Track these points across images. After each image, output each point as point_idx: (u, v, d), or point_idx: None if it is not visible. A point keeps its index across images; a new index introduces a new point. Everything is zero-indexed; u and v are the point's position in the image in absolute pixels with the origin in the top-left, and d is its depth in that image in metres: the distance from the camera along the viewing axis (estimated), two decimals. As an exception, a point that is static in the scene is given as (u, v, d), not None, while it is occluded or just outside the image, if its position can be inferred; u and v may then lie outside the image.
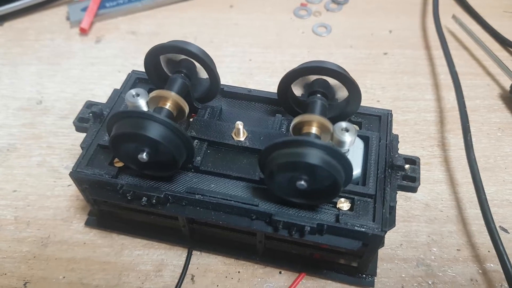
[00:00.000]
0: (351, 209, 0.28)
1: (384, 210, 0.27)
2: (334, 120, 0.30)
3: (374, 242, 0.27)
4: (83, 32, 0.50)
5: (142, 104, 0.30)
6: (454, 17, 0.49)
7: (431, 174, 0.38)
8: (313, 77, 0.31)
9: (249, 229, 0.29)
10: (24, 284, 0.32)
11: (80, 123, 0.33)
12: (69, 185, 0.38)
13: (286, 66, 0.47)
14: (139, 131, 0.26)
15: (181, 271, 0.32)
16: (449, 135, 0.41)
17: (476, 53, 0.48)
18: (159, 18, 0.53)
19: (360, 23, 0.51)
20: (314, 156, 0.25)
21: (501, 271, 0.30)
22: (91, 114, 0.33)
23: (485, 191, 0.35)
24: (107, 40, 0.50)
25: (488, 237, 0.32)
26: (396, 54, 0.48)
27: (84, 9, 0.51)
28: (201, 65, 0.31)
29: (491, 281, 0.32)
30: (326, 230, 0.27)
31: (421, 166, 0.37)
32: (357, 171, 0.29)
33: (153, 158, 0.27)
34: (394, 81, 0.45)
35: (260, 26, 0.52)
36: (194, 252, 0.33)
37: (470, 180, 0.34)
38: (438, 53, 0.47)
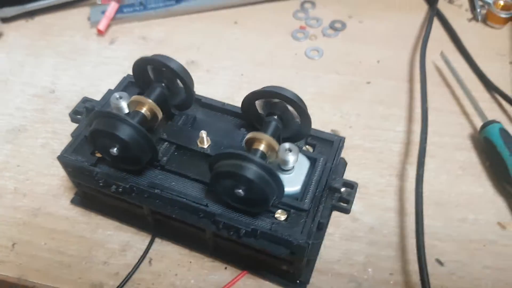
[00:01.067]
0: (286, 220, 0.32)
1: (312, 225, 0.31)
2: (289, 140, 0.34)
3: (300, 251, 0.31)
4: (100, 33, 0.56)
5: (124, 105, 0.35)
6: (441, 54, 0.52)
7: (383, 201, 0.41)
8: (275, 100, 0.35)
9: (197, 225, 0.33)
10: (12, 245, 0.38)
11: (75, 115, 0.38)
12: (63, 167, 0.43)
13: (273, 84, 0.51)
14: (111, 130, 0.31)
15: (141, 253, 0.37)
16: (410, 167, 0.43)
17: (457, 91, 0.50)
18: (169, 26, 0.58)
19: (351, 50, 0.55)
20: (251, 171, 0.29)
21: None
22: (85, 109, 0.38)
23: (432, 225, 0.39)
24: (120, 42, 0.56)
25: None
26: (379, 83, 0.51)
27: (104, 12, 0.57)
28: (178, 79, 0.35)
29: (415, 307, 0.35)
30: (259, 235, 0.31)
31: (375, 193, 0.41)
32: (297, 187, 0.33)
33: (122, 153, 0.32)
34: (370, 109, 0.48)
35: (258, 43, 0.56)
36: (156, 240, 0.38)
37: (413, 213, 0.37)
38: (419, 87, 0.50)
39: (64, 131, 0.46)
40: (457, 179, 0.43)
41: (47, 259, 0.37)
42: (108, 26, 0.57)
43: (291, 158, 0.32)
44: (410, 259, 0.37)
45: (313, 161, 0.35)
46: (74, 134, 0.37)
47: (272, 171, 0.29)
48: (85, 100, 0.39)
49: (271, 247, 0.31)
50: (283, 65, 0.53)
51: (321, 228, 0.32)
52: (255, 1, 0.60)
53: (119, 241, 0.38)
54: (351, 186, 0.34)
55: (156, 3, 0.58)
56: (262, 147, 0.32)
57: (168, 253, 0.38)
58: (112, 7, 0.56)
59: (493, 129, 0.43)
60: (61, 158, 0.35)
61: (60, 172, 0.43)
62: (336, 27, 0.57)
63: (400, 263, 0.37)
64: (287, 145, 0.32)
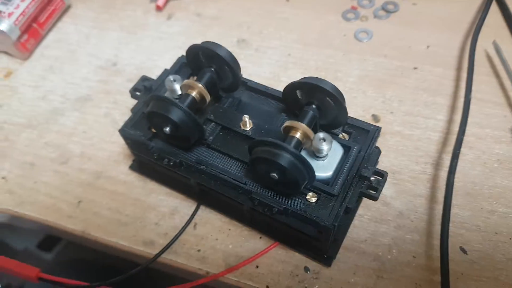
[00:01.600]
0: (316, 202, 0.35)
1: (340, 209, 0.34)
2: (326, 127, 0.37)
3: (326, 231, 0.34)
4: (158, 8, 0.59)
5: (177, 88, 0.39)
6: (494, 42, 0.50)
7: (415, 188, 0.43)
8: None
9: (235, 199, 0.37)
10: (78, 202, 0.44)
11: (134, 91, 0.43)
12: (123, 136, 0.49)
13: (319, 65, 0.53)
14: (164, 113, 0.35)
15: (188, 218, 0.42)
16: (446, 156, 0.44)
17: (505, 82, 0.49)
18: (223, 3, 0.60)
19: (401, 34, 0.54)
20: (285, 159, 0.32)
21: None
22: (143, 87, 0.43)
23: (460, 214, 0.40)
24: (176, 18, 0.59)
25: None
26: (426, 70, 0.51)
27: (164, -12, 0.60)
28: (226, 65, 0.38)
29: (433, 288, 0.37)
30: (290, 214, 0.35)
31: (408, 179, 0.43)
32: (329, 173, 0.36)
33: (174, 133, 0.36)
34: (413, 96, 0.49)
35: (307, 23, 0.57)
36: (201, 207, 0.43)
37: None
38: (466, 76, 0.49)
39: (124, 103, 0.51)
40: (492, 172, 0.43)
41: (107, 217, 0.43)
42: (167, 2, 0.60)
43: (324, 147, 0.34)
44: (434, 245, 0.39)
45: (347, 149, 0.37)
46: (134, 110, 0.41)
47: (304, 159, 0.32)
48: (144, 78, 0.44)
49: (301, 226, 0.35)
50: (331, 46, 0.54)
51: (348, 212, 0.35)
52: (307, -21, 0.60)
53: (169, 205, 0.43)
54: (381, 175, 0.36)
55: (211, -21, 0.60)
56: (298, 135, 0.35)
57: (211, 219, 0.42)
58: (170, -17, 0.59)
59: (537, 125, 0.42)
60: (122, 131, 0.40)
61: (120, 140, 0.48)
62: (389, 8, 0.57)
63: (424, 248, 0.39)
64: (321, 134, 0.34)
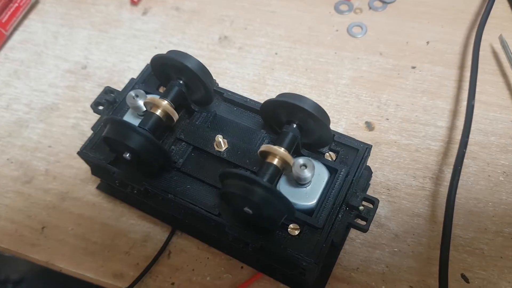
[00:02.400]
0: (298, 235, 0.31)
1: (324, 245, 0.30)
2: (310, 147, 0.33)
3: (308, 271, 0.30)
4: (133, 3, 0.54)
5: (140, 104, 0.34)
6: (500, 37, 0.45)
7: (412, 206, 0.39)
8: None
9: (208, 231, 0.33)
10: (42, 228, 0.40)
11: (96, 106, 0.38)
12: (91, 150, 0.44)
13: (308, 65, 0.48)
14: (121, 140, 0.31)
15: (161, 245, 0.38)
16: (447, 169, 0.40)
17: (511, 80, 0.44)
18: (203, -4, 0.55)
19: (399, 27, 0.49)
20: (257, 195, 0.28)
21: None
22: (106, 101, 0.38)
23: (462, 235, 0.36)
24: (153, 13, 0.54)
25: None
26: (425, 69, 0.46)
27: (137, -20, 0.55)
28: (196, 79, 0.34)
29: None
30: (267, 251, 0.31)
31: (405, 196, 0.39)
32: (312, 202, 0.31)
33: (135, 159, 0.32)
34: (411, 99, 0.44)
35: (296, 17, 0.52)
36: (176, 232, 0.39)
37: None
38: (470, 76, 0.44)
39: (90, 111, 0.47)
40: (497, 186, 0.39)
41: (73, 245, 0.39)
42: (140, -4, 0.55)
43: (306, 174, 0.30)
44: (433, 272, 0.35)
45: (333, 171, 0.33)
46: (95, 128, 0.37)
47: (280, 195, 0.28)
48: (107, 90, 0.39)
49: (280, 264, 0.31)
50: (322, 43, 0.49)
51: (335, 245, 0.31)
52: (294, -34, 0.54)
53: (141, 231, 0.39)
54: (372, 202, 0.32)
55: (188, -31, 0.55)
56: (275, 161, 0.30)
57: (187, 246, 0.38)
58: (143, -25, 0.53)
59: (550, 135, 0.38)
60: (81, 154, 0.36)
61: (88, 155, 0.44)
62: (384, -1, 0.51)
63: (422, 276, 0.35)
64: (301, 160, 0.30)
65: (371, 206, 0.32)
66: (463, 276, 0.35)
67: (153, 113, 0.33)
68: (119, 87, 0.47)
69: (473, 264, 0.36)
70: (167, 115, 0.33)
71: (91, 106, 0.39)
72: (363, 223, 0.31)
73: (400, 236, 0.37)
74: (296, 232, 0.31)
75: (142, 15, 0.54)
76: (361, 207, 0.31)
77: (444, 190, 0.39)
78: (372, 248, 0.37)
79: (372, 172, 0.36)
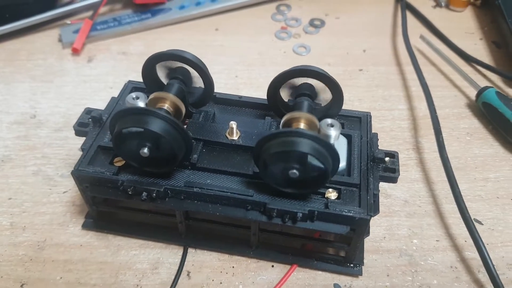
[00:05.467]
0: (338, 197, 0.30)
1: (368, 197, 0.30)
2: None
3: (361, 226, 0.29)
4: (75, 52, 0.52)
5: (142, 105, 0.32)
6: (422, 37, 0.54)
7: (408, 174, 0.41)
8: (299, 82, 0.34)
9: (244, 219, 0.30)
10: (21, 286, 0.32)
11: (80, 127, 0.35)
12: (64, 192, 0.39)
13: (269, 81, 0.50)
14: (142, 126, 0.28)
15: (177, 268, 0.34)
16: (423, 139, 0.44)
17: (443, 68, 0.52)
18: (148, 40, 0.56)
19: (336, 43, 0.56)
20: (305, 145, 0.27)
21: (478, 258, 0.33)
22: (90, 119, 0.35)
23: (460, 188, 0.39)
24: (99, 59, 0.53)
25: (464, 228, 0.35)
26: (371, 70, 0.52)
27: (76, 31, 0.53)
28: (196, 70, 0.33)
29: (470, 268, 0.34)
30: (316, 216, 0.29)
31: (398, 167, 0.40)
32: (342, 164, 0.32)
33: (154, 153, 0.29)
34: (369, 93, 0.49)
35: (244, 47, 0.55)
36: (189, 250, 0.35)
37: (444, 178, 0.38)
38: (408, 68, 0.52)
39: (56, 155, 0.42)
40: (467, 144, 0.44)
41: (70, 292, 0.32)
42: (83, 45, 0.53)
43: (333, 133, 0.30)
44: (450, 223, 0.37)
45: (348, 137, 0.34)
46: (85, 146, 0.33)
47: (329, 143, 0.28)
48: (89, 110, 0.36)
49: (330, 227, 0.30)
50: (275, 63, 0.53)
51: (375, 200, 0.31)
52: (232, 8, 0.59)
53: (148, 259, 0.34)
54: (392, 155, 0.33)
55: (131, 17, 0.56)
56: (302, 125, 0.30)
57: (206, 262, 0.34)
58: (86, 24, 0.53)
59: (490, 94, 0.45)
60: (76, 173, 0.31)
61: (62, 198, 0.38)
62: (316, 24, 0.58)
63: (443, 230, 0.37)
64: (329, 120, 0.30)
65: (394, 159, 0.33)
66: (476, 220, 0.37)
67: (161, 108, 0.31)
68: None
69: (478, 209, 0.38)
70: (175, 107, 0.32)
71: (74, 127, 0.35)
72: (393, 174, 0.32)
73: (409, 200, 0.39)
74: (334, 195, 0.30)
75: (88, 63, 0.52)
76: (386, 159, 0.32)
77: (427, 156, 0.43)
78: (389, 217, 0.38)
79: (378, 138, 0.37)
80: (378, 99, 0.49)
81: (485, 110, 0.46)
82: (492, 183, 0.40)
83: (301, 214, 0.29)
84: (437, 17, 0.59)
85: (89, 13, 0.56)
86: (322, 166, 0.28)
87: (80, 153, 0.41)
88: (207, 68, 0.34)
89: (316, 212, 0.29)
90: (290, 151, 0.27)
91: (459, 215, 0.35)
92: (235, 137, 0.33)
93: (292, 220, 0.29)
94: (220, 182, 0.31)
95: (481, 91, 0.46)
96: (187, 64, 0.33)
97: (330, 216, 0.29)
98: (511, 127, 0.42)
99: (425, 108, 0.46)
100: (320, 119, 0.32)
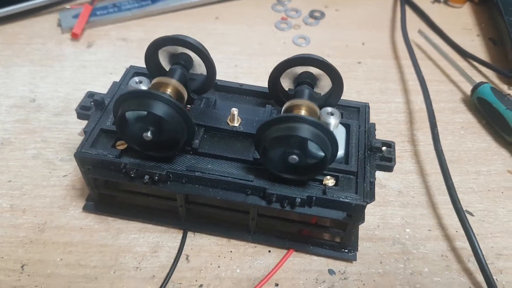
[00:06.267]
0: (335, 184, 0.31)
1: (365, 184, 0.31)
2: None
3: (357, 212, 0.30)
4: (75, 37, 0.52)
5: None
6: (420, 31, 0.55)
7: (403, 166, 0.42)
8: (300, 71, 0.35)
9: (244, 204, 0.31)
10: (21, 267, 0.33)
11: (82, 110, 0.35)
12: (64, 176, 0.39)
13: (269, 71, 0.50)
14: (145, 109, 0.28)
15: (176, 251, 0.34)
16: (418, 132, 0.45)
17: (439, 63, 0.53)
18: (148, 26, 0.56)
19: (335, 36, 0.56)
20: (305, 130, 0.28)
21: (468, 247, 0.34)
22: (92, 103, 0.35)
23: (453, 180, 0.39)
24: (98, 45, 0.53)
25: (455, 219, 0.36)
26: (369, 63, 0.53)
27: (75, 16, 0.53)
28: (199, 56, 0.34)
29: (460, 257, 0.35)
30: (314, 202, 0.30)
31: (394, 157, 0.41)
32: (340, 152, 0.32)
33: (157, 137, 0.30)
34: (367, 86, 0.50)
35: (245, 36, 0.55)
36: (188, 234, 0.35)
37: (438, 170, 0.39)
38: (406, 62, 0.52)
39: (55, 139, 0.42)
40: (461, 138, 0.45)
41: (68, 275, 0.32)
42: (83, 30, 0.53)
43: (333, 121, 0.31)
44: (442, 214, 0.38)
45: (346, 127, 0.35)
46: (88, 129, 0.33)
47: (328, 129, 0.28)
48: (91, 94, 0.36)
49: (327, 213, 0.30)
50: (275, 53, 0.53)
51: (371, 188, 0.32)
52: (232, -3, 0.60)
53: (148, 242, 0.35)
54: (389, 145, 0.34)
55: (131, 4, 0.56)
56: (303, 112, 0.31)
57: (204, 246, 0.35)
58: (85, 9, 0.53)
59: (485, 89, 0.46)
60: (79, 155, 0.32)
61: (62, 181, 0.38)
62: (316, 16, 0.59)
63: (435, 220, 0.38)
64: (329, 109, 0.31)
65: (391, 149, 0.34)
66: (467, 211, 0.38)
67: (164, 92, 0.31)
68: None
69: (470, 201, 0.39)
70: (177, 92, 0.32)
71: (76, 110, 0.35)
72: (389, 163, 0.33)
73: (403, 191, 0.40)
74: (332, 182, 0.31)
75: (87, 48, 0.52)
76: (383, 148, 0.33)
77: (422, 148, 0.44)
78: (383, 207, 0.39)
79: (375, 129, 0.38)
80: (375, 91, 0.49)
81: (479, 105, 0.47)
82: (484, 176, 0.41)
83: (299, 200, 0.30)
84: (435, 12, 0.60)
85: (89, -2, 0.56)
86: (321, 152, 0.28)
87: (80, 137, 0.42)
88: (209, 55, 0.34)
89: (314, 197, 0.30)
90: (291, 135, 0.28)
91: (451, 206, 0.36)
92: (236, 124, 0.34)
93: (291, 205, 0.30)
94: (221, 167, 0.32)
95: (476, 86, 0.47)
96: (190, 50, 0.34)
97: (328, 202, 0.30)
98: (505, 122, 0.43)
99: (421, 101, 0.47)
100: (319, 108, 0.33)
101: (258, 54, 0.53)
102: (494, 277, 0.33)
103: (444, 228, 0.37)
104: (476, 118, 0.47)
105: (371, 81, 0.50)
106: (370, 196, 0.31)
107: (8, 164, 0.40)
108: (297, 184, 0.31)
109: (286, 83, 0.35)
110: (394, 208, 0.38)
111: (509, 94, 0.46)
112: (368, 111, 0.36)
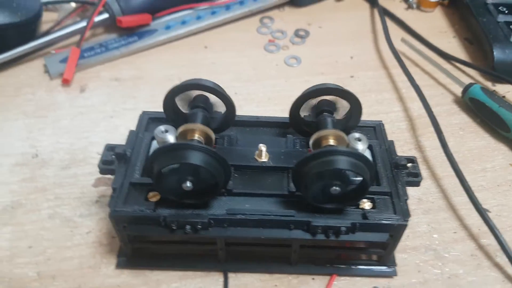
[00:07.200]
0: (373, 207, 0.32)
1: (401, 203, 0.32)
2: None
3: (399, 231, 0.31)
4: (66, 83, 0.51)
5: (171, 139, 0.32)
6: (403, 39, 0.57)
7: (416, 173, 0.43)
8: (316, 99, 0.35)
9: (288, 240, 0.31)
10: (66, 336, 0.32)
11: (105, 165, 0.34)
12: (88, 232, 0.38)
13: (269, 95, 0.51)
14: (181, 161, 0.28)
15: (221, 294, 0.34)
16: (422, 138, 0.47)
17: (426, 68, 0.55)
18: (138, 63, 0.55)
19: (324, 53, 0.58)
20: (344, 162, 0.29)
21: (493, 243, 0.36)
22: (114, 156, 0.34)
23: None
24: (91, 88, 0.51)
25: (475, 218, 0.38)
26: (361, 76, 0.54)
27: (63, 61, 0.52)
28: (217, 96, 0.34)
29: (488, 253, 0.37)
30: (358, 228, 0.31)
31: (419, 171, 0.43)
32: (371, 174, 0.33)
33: (196, 185, 0.30)
34: (364, 99, 0.50)
35: (236, 63, 0.56)
36: (229, 275, 0.35)
37: (449, 173, 0.41)
38: (395, 71, 0.54)
39: (69, 194, 0.40)
40: (462, 138, 0.47)
41: (121, 334, 0.31)
42: (73, 74, 0.51)
43: (361, 146, 0.32)
44: (463, 215, 0.40)
45: (369, 147, 0.36)
46: (116, 185, 0.32)
47: (364, 155, 0.29)
48: (110, 147, 0.35)
49: (371, 237, 0.31)
50: (270, 77, 0.54)
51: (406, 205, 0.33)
52: (217, 24, 0.60)
53: (190, 289, 0.34)
54: (412, 160, 0.35)
55: (118, 42, 0.55)
56: (331, 141, 0.32)
57: (248, 284, 0.35)
58: (73, 53, 0.51)
59: (475, 90, 0.49)
60: (114, 214, 0.31)
61: (87, 239, 0.37)
62: (301, 34, 0.60)
63: (458, 221, 0.40)
64: (356, 134, 0.32)
65: (415, 164, 0.35)
66: (483, 209, 0.41)
67: (193, 139, 0.31)
68: (88, 162, 0.43)
69: (484, 198, 0.41)
70: (206, 136, 0.32)
71: (99, 166, 0.34)
72: (416, 178, 0.34)
73: (422, 198, 0.41)
74: (369, 205, 0.32)
75: (81, 93, 0.51)
76: (408, 164, 0.34)
77: (430, 154, 0.46)
78: (408, 217, 0.40)
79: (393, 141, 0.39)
80: (373, 103, 0.51)
81: (472, 105, 0.49)
82: (490, 172, 0.44)
83: (344, 228, 0.30)
84: (410, 18, 0.63)
85: (71, 41, 0.54)
86: (362, 178, 0.29)
87: (95, 189, 0.41)
88: (226, 92, 0.34)
89: (357, 224, 0.31)
90: (332, 169, 0.29)
91: (468, 206, 0.39)
92: (264, 159, 0.34)
93: (335, 234, 0.31)
94: (258, 205, 0.32)
95: (466, 88, 0.49)
96: (207, 92, 0.34)
97: (370, 226, 0.31)
98: (499, 119, 0.46)
99: (418, 108, 0.50)
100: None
101: (255, 80, 0.53)
102: (523, 268, 0.35)
103: (467, 228, 0.39)
104: (470, 118, 0.50)
105: (366, 93, 0.52)
106: (407, 213, 0.32)
107: (24, 228, 0.38)
108: (336, 212, 0.32)
109: (303, 112, 0.36)
110: (418, 216, 0.40)
111: (495, 91, 0.49)
112: (384, 129, 0.38)
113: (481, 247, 0.38)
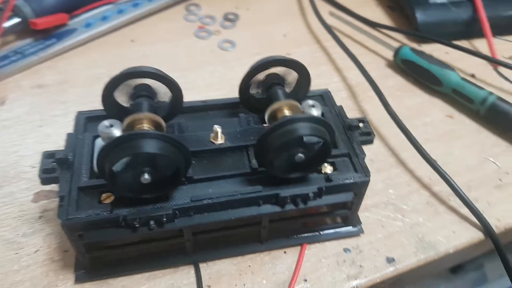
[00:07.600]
0: (334, 170, 0.32)
1: (360, 161, 0.32)
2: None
3: (362, 189, 0.32)
4: (-18, 97, 0.45)
5: (118, 133, 0.30)
6: (331, 13, 0.59)
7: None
8: (263, 74, 0.35)
9: (258, 216, 0.31)
10: None
11: (46, 174, 0.31)
12: (36, 251, 0.34)
13: (209, 81, 0.50)
14: (134, 152, 0.26)
15: (195, 287, 0.32)
16: (363, 103, 0.49)
17: (356, 38, 0.57)
18: (61, 66, 0.51)
19: (256, 34, 0.57)
20: (306, 128, 0.28)
21: (445, 189, 0.39)
22: (55, 163, 0.31)
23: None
24: (12, 99, 0.46)
25: (425, 169, 0.40)
26: (296, 52, 0.55)
27: (-26, 74, 0.46)
28: (159, 81, 0.32)
29: (442, 199, 0.39)
30: (325, 192, 0.31)
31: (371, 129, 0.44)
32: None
33: (154, 175, 0.28)
34: (304, 73, 0.52)
35: (169, 53, 0.54)
36: (201, 266, 0.34)
37: (394, 132, 0.43)
38: (328, 44, 0.56)
39: (7, 215, 0.36)
40: (400, 99, 0.50)
41: None
42: (-12, 87, 0.46)
43: (315, 112, 0.32)
44: (413, 168, 0.42)
45: (322, 114, 0.36)
46: (63, 193, 0.29)
47: (323, 119, 0.29)
48: (48, 154, 0.32)
49: (338, 198, 0.32)
50: (207, 63, 0.52)
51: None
52: (140, 16, 0.57)
53: (162, 288, 0.32)
54: (362, 121, 0.36)
55: (35, 46, 0.50)
56: (287, 112, 0.31)
57: (221, 270, 0.34)
58: (-15, 63, 0.46)
59: (405, 51, 0.51)
60: (67, 223, 0.28)
61: (36, 258, 0.34)
62: (231, 18, 0.59)
63: (409, 175, 0.41)
64: (310, 101, 0.32)
65: (366, 124, 0.36)
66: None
67: (141, 129, 0.29)
68: (22, 178, 0.39)
69: (429, 149, 0.42)
70: (155, 124, 0.30)
71: (39, 176, 0.31)
72: (369, 136, 0.35)
73: (373, 158, 0.43)
74: (330, 169, 0.32)
75: (1, 106, 0.46)
76: (360, 125, 0.35)
77: (372, 117, 0.47)
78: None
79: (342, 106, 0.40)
80: (313, 77, 0.50)
81: (404, 66, 0.52)
82: (430, 126, 0.46)
83: (312, 194, 0.30)
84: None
85: (-21, 51, 0.49)
86: (323, 141, 0.29)
87: (35, 204, 0.37)
88: (169, 76, 0.33)
89: (323, 187, 0.31)
90: (295, 137, 0.28)
91: (416, 159, 0.41)
92: (221, 141, 0.33)
93: (304, 201, 0.31)
94: (222, 188, 0.31)
95: (397, 51, 0.52)
96: (149, 78, 0.32)
97: (335, 188, 0.31)
98: (431, 75, 0.49)
99: (355, 76, 0.51)
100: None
101: (191, 68, 0.52)
102: (474, 204, 0.37)
103: (419, 179, 0.41)
104: (404, 79, 0.52)
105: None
106: (368, 170, 0.32)
107: (-41, 261, 0.33)
108: (300, 181, 0.31)
109: (253, 89, 0.35)
110: (373, 174, 0.40)
111: (423, 51, 0.52)
112: (331, 96, 0.38)
113: (434, 194, 0.40)
